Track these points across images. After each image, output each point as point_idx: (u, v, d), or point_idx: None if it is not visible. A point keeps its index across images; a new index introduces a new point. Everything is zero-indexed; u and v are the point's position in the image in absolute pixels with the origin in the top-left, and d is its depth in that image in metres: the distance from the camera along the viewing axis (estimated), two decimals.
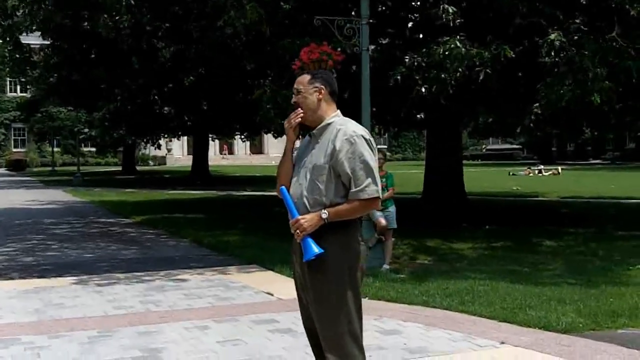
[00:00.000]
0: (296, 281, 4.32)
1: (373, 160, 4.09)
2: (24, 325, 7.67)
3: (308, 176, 4.13)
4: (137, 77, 23.98)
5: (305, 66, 10.90)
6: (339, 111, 4.28)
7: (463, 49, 11.21)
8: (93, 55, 24.09)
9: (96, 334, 7.16)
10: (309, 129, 4.26)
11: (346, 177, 4.04)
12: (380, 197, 4.13)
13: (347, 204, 4.05)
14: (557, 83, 11.16)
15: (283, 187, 4.21)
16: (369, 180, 4.04)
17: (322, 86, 4.22)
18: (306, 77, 4.27)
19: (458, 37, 11.48)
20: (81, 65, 24.82)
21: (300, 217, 4.05)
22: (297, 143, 4.34)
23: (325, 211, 4.02)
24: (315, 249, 3.98)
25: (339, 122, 4.19)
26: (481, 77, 11.57)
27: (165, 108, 31.50)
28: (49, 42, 26.85)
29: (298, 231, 4.03)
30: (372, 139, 4.17)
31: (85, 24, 20.12)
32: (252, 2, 11.22)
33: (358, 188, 4.03)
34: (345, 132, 4.09)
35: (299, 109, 4.21)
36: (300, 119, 4.23)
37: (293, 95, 4.29)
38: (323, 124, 4.20)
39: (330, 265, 4.04)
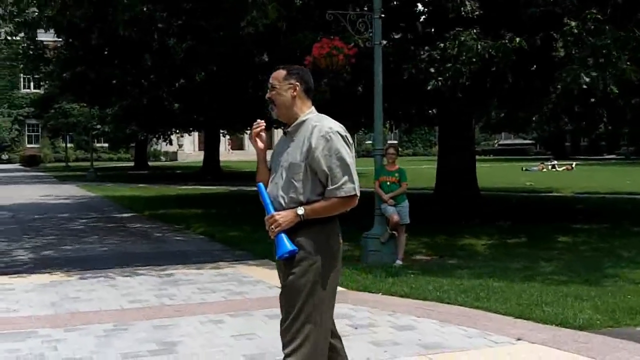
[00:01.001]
0: (280, 279, 4.24)
1: (350, 157, 4.01)
2: (41, 318, 7.71)
3: (284, 175, 4.05)
4: (148, 73, 24.00)
5: (316, 61, 10.92)
6: (313, 108, 4.20)
7: (479, 43, 11.16)
8: (106, 52, 24.11)
9: (112, 328, 7.19)
10: (286, 125, 4.20)
11: (323, 174, 3.96)
12: (358, 194, 4.01)
13: (324, 202, 3.98)
14: (576, 68, 11.03)
15: (260, 183, 4.17)
16: (346, 177, 3.96)
17: (297, 83, 4.14)
18: (281, 73, 4.17)
19: (473, 30, 11.43)
20: (94, 62, 24.88)
21: (275, 213, 3.99)
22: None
23: (302, 208, 3.95)
24: (289, 246, 3.92)
25: (314, 119, 4.11)
26: (493, 69, 11.53)
27: (176, 104, 31.51)
28: (62, 39, 26.93)
29: (272, 227, 3.96)
30: (348, 135, 4.08)
31: (98, 24, 20.18)
32: (273, 2, 11.20)
33: (335, 186, 3.96)
34: (320, 128, 4.01)
35: (259, 120, 4.19)
36: (260, 129, 4.20)
37: (267, 91, 4.21)
38: (298, 121, 4.13)
39: (302, 260, 3.96)
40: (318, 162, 3.94)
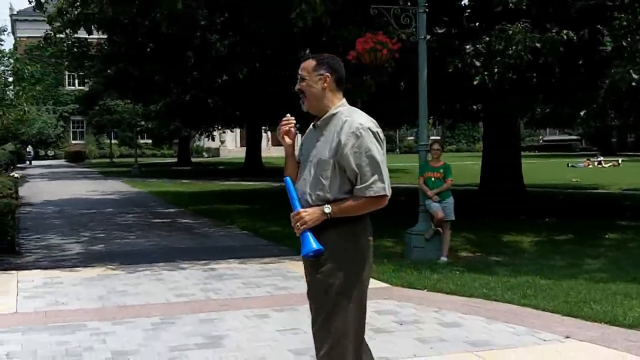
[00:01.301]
0: (306, 279, 4.12)
1: (380, 154, 3.82)
2: (89, 311, 7.80)
3: (312, 171, 3.89)
4: (191, 70, 24.14)
5: (360, 56, 10.89)
6: (344, 100, 4.00)
7: (527, 36, 11.04)
8: (148, 49, 24.28)
9: (159, 321, 7.25)
10: (315, 118, 4.04)
11: (352, 172, 3.79)
12: (388, 194, 3.84)
13: (353, 201, 3.81)
14: (625, 65, 10.86)
15: (288, 177, 4.02)
16: (376, 177, 3.79)
17: (328, 74, 3.93)
18: (311, 63, 3.96)
19: (520, 23, 11.32)
20: (136, 58, 25.08)
21: (302, 210, 3.84)
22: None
23: (329, 206, 3.79)
24: (314, 245, 3.78)
25: (345, 112, 3.92)
26: (540, 61, 11.41)
27: (219, 101, 31.69)
28: (105, 36, 27.21)
29: (298, 224, 3.83)
30: (380, 131, 3.90)
31: (141, 19, 20.33)
32: None
33: (364, 185, 3.78)
34: (351, 124, 3.82)
35: (288, 115, 4.03)
36: (289, 127, 4.04)
37: (297, 82, 4.01)
38: (328, 114, 3.93)
39: (331, 260, 3.83)
40: (347, 159, 3.78)
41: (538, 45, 11.13)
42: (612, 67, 10.98)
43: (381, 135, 3.90)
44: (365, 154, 3.77)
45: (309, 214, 3.81)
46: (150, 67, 24.38)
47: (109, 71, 31.62)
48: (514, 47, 11.14)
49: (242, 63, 20.09)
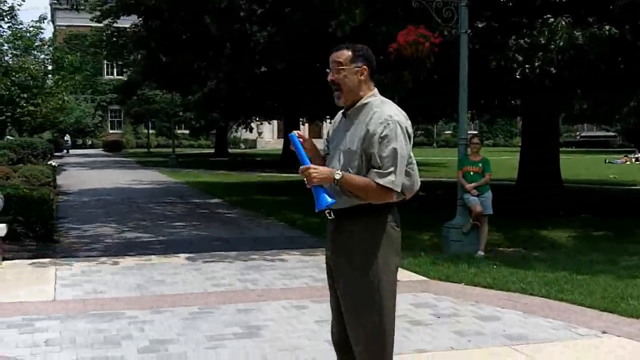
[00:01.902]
0: (327, 268, 4.09)
1: (403, 149, 3.76)
2: (128, 300, 7.90)
3: (342, 160, 3.85)
4: (228, 61, 24.20)
5: (401, 48, 10.85)
6: (376, 90, 3.95)
7: (572, 30, 10.95)
8: (184, 37, 24.34)
9: (197, 310, 7.32)
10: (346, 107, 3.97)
11: (374, 160, 3.74)
12: (396, 190, 3.76)
13: (363, 179, 3.75)
14: None
15: (293, 133, 3.94)
16: (392, 169, 3.72)
17: (365, 66, 3.88)
18: (347, 54, 3.87)
19: (563, 17, 11.23)
20: (172, 48, 25.15)
21: (311, 165, 3.78)
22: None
23: (340, 173, 3.73)
24: (329, 199, 3.71)
25: (376, 103, 3.87)
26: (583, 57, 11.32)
27: (257, 92, 31.76)
28: (141, 22, 27.31)
29: (306, 180, 3.76)
30: (409, 126, 3.86)
31: (182, 12, 20.50)
32: (360, 6, 11.16)
33: (377, 171, 3.72)
34: (380, 115, 3.78)
35: (311, 170, 3.77)
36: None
37: (330, 72, 3.92)
38: (359, 104, 3.89)
39: (360, 248, 3.80)
40: (371, 147, 3.74)
41: (581, 41, 11.02)
42: None
43: (409, 129, 3.87)
44: (389, 145, 3.74)
45: (319, 172, 3.76)
46: (183, 56, 24.43)
47: (140, 55, 31.68)
48: (556, 41, 11.04)
49: (280, 54, 20.15)
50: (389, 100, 3.94)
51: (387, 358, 3.90)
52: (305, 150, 3.94)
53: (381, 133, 3.74)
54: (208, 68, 26.16)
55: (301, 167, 3.80)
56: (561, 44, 11.00)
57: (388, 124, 3.76)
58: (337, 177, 3.73)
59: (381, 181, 3.72)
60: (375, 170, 3.74)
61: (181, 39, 24.02)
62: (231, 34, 21.06)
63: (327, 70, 3.95)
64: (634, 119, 28.36)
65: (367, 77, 3.90)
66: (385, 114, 3.79)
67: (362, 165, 3.80)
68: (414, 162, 3.94)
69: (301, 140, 3.94)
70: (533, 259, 10.44)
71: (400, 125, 3.79)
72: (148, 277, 9.12)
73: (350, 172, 3.78)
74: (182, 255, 10.77)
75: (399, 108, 3.91)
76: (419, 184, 3.99)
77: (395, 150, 3.74)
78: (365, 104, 3.89)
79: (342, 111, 4.03)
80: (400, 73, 11.46)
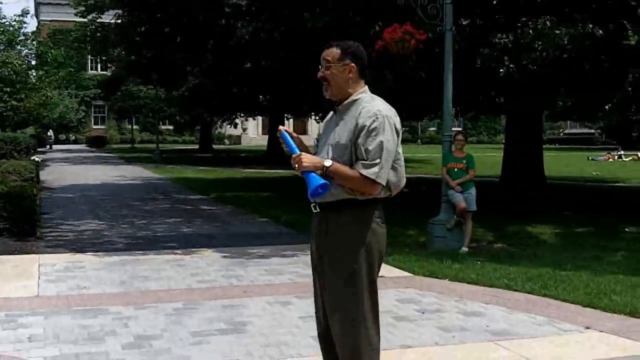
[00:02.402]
0: (312, 263, 4.14)
1: (391, 144, 3.84)
2: (112, 296, 7.87)
3: (330, 153, 3.91)
4: (212, 55, 24.10)
5: (387, 45, 10.89)
6: (366, 87, 4.03)
7: (555, 31, 11.01)
8: (167, 29, 24.19)
9: (181, 306, 7.32)
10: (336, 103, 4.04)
11: (360, 153, 3.81)
12: (380, 183, 3.81)
13: (349, 169, 3.81)
14: None
15: (283, 130, 4.01)
16: (377, 161, 3.78)
17: (353, 64, 3.95)
18: (336, 52, 3.96)
19: (547, 17, 11.27)
20: (155, 40, 24.99)
21: (302, 153, 3.86)
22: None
23: (330, 161, 3.81)
24: (321, 180, 3.75)
25: (366, 99, 3.95)
26: (565, 56, 11.37)
27: (242, 88, 31.72)
28: (124, 14, 27.14)
29: (296, 165, 3.82)
30: (397, 122, 3.93)
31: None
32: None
33: (363, 162, 3.78)
34: (369, 110, 3.86)
35: (302, 156, 3.84)
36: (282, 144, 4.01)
37: (320, 68, 4.01)
38: (349, 100, 3.97)
39: (344, 243, 3.86)
40: (361, 140, 3.80)
41: (565, 41, 11.08)
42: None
43: (398, 125, 3.93)
44: (376, 138, 3.80)
45: (308, 159, 3.82)
46: (167, 49, 24.30)
47: (123, 50, 31.52)
48: (541, 42, 11.10)
49: (265, 50, 20.12)
50: (379, 97, 4.01)
51: (368, 352, 3.93)
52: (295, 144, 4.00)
53: (370, 126, 3.80)
54: (192, 62, 26.07)
55: (293, 156, 3.86)
56: (546, 43, 11.05)
57: (377, 117, 3.82)
58: (327, 164, 3.79)
59: (365, 172, 3.78)
60: (361, 161, 3.79)
61: (165, 31, 23.89)
62: (215, 28, 20.99)
63: (319, 67, 4.02)
64: (617, 116, 28.51)
65: (355, 75, 3.97)
66: (374, 108, 3.87)
67: (351, 159, 3.85)
68: (402, 158, 3.99)
69: (291, 135, 4.02)
70: (517, 255, 10.50)
71: (388, 120, 3.86)
72: (132, 273, 9.09)
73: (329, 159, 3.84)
74: (167, 251, 10.75)
75: (389, 105, 3.98)
76: (405, 180, 4.02)
77: (381, 143, 3.80)
78: (356, 100, 3.96)
79: (333, 108, 4.08)
80: (381, 72, 11.48)
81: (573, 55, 11.61)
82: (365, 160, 3.79)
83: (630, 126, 67.61)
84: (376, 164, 3.79)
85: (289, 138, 3.99)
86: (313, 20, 11.32)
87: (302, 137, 4.15)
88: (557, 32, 11.08)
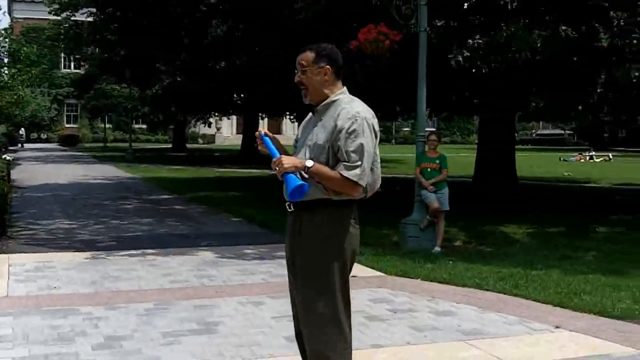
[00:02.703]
0: (287, 262, 4.15)
1: (370, 145, 3.87)
2: (82, 296, 7.81)
3: (307, 154, 3.93)
4: (186, 52, 23.97)
5: (362, 46, 10.91)
6: (345, 88, 4.05)
7: (529, 35, 11.09)
8: (141, 26, 24.02)
9: (153, 307, 7.27)
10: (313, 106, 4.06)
11: (340, 154, 3.83)
12: (362, 185, 3.84)
13: (331, 170, 3.83)
14: (627, 66, 10.97)
15: (262, 133, 4.03)
16: (359, 163, 3.81)
17: (328, 66, 3.97)
18: (310, 55, 3.98)
19: (521, 22, 11.34)
20: (129, 37, 24.82)
21: (282, 156, 3.86)
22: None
23: (312, 161, 3.82)
24: (299, 180, 3.76)
25: (345, 100, 3.98)
26: (538, 58, 11.45)
27: (216, 87, 31.55)
28: (95, 11, 26.96)
29: (277, 167, 3.82)
30: (375, 123, 3.96)
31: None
32: None
33: (345, 164, 3.80)
34: (349, 111, 3.88)
35: (282, 158, 3.85)
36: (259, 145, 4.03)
37: (296, 74, 4.03)
38: (327, 101, 3.99)
39: (318, 242, 3.88)
40: (340, 142, 3.82)
41: (538, 44, 11.16)
42: (616, 69, 11.09)
43: (376, 127, 3.95)
44: (356, 141, 3.82)
45: (289, 160, 3.83)
46: (142, 44, 24.13)
47: (97, 48, 31.31)
48: (514, 45, 11.18)
49: (240, 48, 20.03)
50: (357, 98, 4.03)
51: (342, 351, 3.94)
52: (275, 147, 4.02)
53: (348, 128, 3.83)
54: (166, 60, 25.92)
55: (273, 159, 3.87)
56: (520, 45, 11.12)
57: (356, 119, 3.85)
58: (309, 164, 3.81)
59: (347, 174, 3.80)
60: (342, 163, 3.82)
61: (139, 28, 23.71)
62: (190, 26, 20.87)
63: (295, 72, 4.04)
64: (589, 118, 28.74)
65: (331, 76, 4.00)
66: (353, 110, 3.89)
67: (329, 160, 3.87)
68: (378, 159, 4.02)
69: (270, 137, 4.04)
70: (489, 255, 10.56)
71: (367, 121, 3.89)
72: (103, 273, 9.03)
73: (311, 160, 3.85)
74: (138, 251, 10.68)
75: (367, 106, 4.00)
76: (380, 181, 4.03)
77: (362, 145, 3.83)
78: (334, 101, 3.98)
79: (312, 109, 4.10)
80: (352, 66, 11.49)
81: (545, 57, 11.69)
82: (347, 162, 3.81)
83: (601, 127, 68.47)
84: (358, 166, 3.82)
85: (269, 141, 4.01)
86: (305, 12, 11.32)
87: (277, 136, 4.16)
88: (531, 35, 11.14)
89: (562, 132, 79.03)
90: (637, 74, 10.79)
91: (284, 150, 4.05)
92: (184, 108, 41.84)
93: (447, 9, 12.48)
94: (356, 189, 3.86)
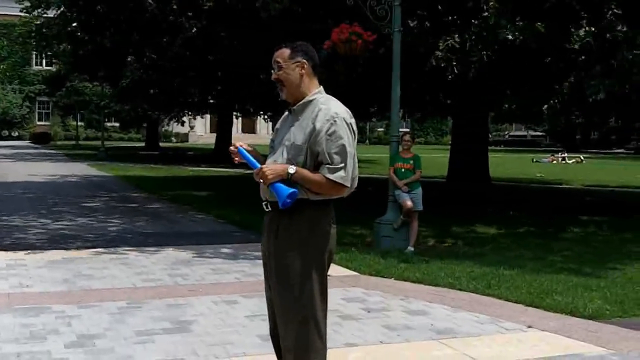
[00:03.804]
0: (264, 263, 4.14)
1: (351, 145, 3.88)
2: (54, 294, 7.75)
3: (285, 154, 3.92)
4: (155, 50, 23.87)
5: (335, 47, 10.93)
6: (321, 87, 4.05)
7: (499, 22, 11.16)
8: (108, 22, 23.89)
9: (126, 305, 7.24)
10: (290, 105, 4.07)
11: (323, 157, 3.82)
12: (348, 185, 3.85)
13: (315, 175, 3.83)
14: (597, 81, 11.14)
15: (239, 146, 4.02)
16: (342, 165, 3.82)
17: (305, 60, 3.97)
18: (286, 52, 3.99)
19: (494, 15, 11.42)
20: (98, 32, 24.67)
21: (264, 166, 3.86)
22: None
23: (294, 167, 3.81)
24: (288, 189, 3.74)
25: (322, 100, 3.97)
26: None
27: (189, 85, 31.42)
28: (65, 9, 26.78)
29: (261, 179, 3.83)
30: (353, 122, 3.95)
31: None
32: None
33: (328, 166, 3.81)
34: (326, 112, 3.87)
35: (264, 169, 3.84)
36: (236, 159, 4.04)
37: (273, 71, 4.03)
38: (305, 100, 3.98)
39: (295, 242, 3.87)
40: (320, 145, 3.82)
41: (509, 36, 11.21)
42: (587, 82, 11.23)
43: (354, 127, 3.95)
44: (337, 142, 3.82)
45: (271, 170, 3.82)
46: (113, 40, 23.99)
47: (80, 52, 31.14)
48: (484, 39, 11.24)
49: (214, 47, 19.99)
50: (334, 98, 4.02)
51: (319, 350, 3.95)
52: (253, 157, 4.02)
53: (328, 130, 3.83)
54: (134, 55, 25.80)
55: (254, 171, 3.87)
56: (491, 36, 11.17)
57: (335, 121, 3.85)
58: (291, 171, 3.80)
59: (331, 176, 3.81)
60: (326, 166, 3.82)
61: (107, 24, 23.60)
62: (163, 25, 20.81)
63: (272, 70, 4.04)
64: (561, 119, 28.98)
65: (308, 71, 4.00)
66: (331, 111, 3.88)
67: (307, 161, 3.86)
68: (356, 160, 4.00)
69: (247, 149, 4.03)
70: (461, 255, 10.61)
71: (346, 121, 3.89)
72: (75, 272, 8.96)
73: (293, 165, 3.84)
74: (111, 250, 10.63)
75: (344, 105, 3.99)
76: (357, 181, 4.04)
77: (344, 146, 3.84)
78: (311, 100, 3.97)
79: (288, 108, 4.09)
80: (332, 67, 11.52)
81: (517, 48, 11.74)
82: (330, 165, 3.82)
83: (574, 130, 69.04)
84: (342, 168, 3.83)
85: (246, 153, 4.00)
86: (265, 8, 11.31)
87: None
88: (502, 22, 11.18)
89: (539, 133, 79.65)
90: (601, 96, 10.97)
91: (262, 159, 4.07)
92: (154, 104, 41.51)
93: (421, 8, 12.55)
94: (342, 190, 3.88)
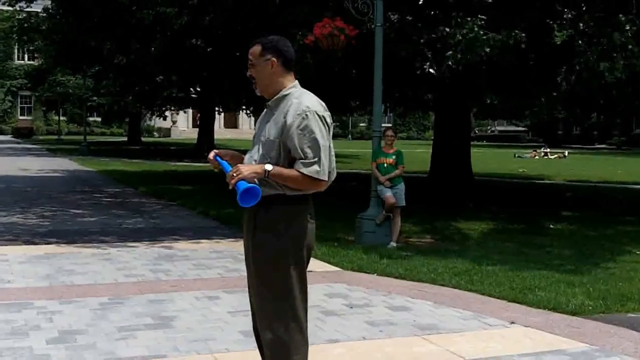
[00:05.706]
0: (245, 258, 4.14)
1: (324, 138, 3.84)
2: (36, 290, 7.70)
3: (260, 150, 3.93)
4: (141, 44, 23.76)
5: (318, 41, 10.92)
6: (296, 82, 4.02)
7: (482, 36, 11.17)
8: (96, 19, 23.79)
9: (107, 301, 7.20)
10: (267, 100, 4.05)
11: (296, 152, 3.81)
12: (324, 179, 3.83)
13: (291, 171, 3.82)
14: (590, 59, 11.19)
15: (215, 154, 4.02)
16: (316, 159, 3.80)
17: (274, 58, 3.95)
18: (257, 49, 3.98)
19: (477, 21, 11.42)
20: (84, 27, 24.54)
21: (238, 165, 3.84)
22: None
23: (271, 165, 3.80)
24: (247, 184, 3.70)
25: (295, 94, 3.94)
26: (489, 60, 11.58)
27: (174, 79, 31.34)
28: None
29: (234, 174, 3.74)
30: (327, 115, 3.92)
31: None
32: None
33: (302, 161, 3.79)
34: (298, 106, 3.85)
35: (239, 167, 3.81)
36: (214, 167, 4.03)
37: (248, 69, 4.05)
38: (279, 95, 3.96)
39: (273, 238, 3.86)
40: (291, 139, 3.80)
41: (487, 50, 11.25)
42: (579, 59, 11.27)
43: (328, 119, 3.92)
44: (309, 136, 3.80)
45: (247, 168, 3.80)
46: (96, 36, 23.87)
47: (62, 47, 31.02)
48: (464, 43, 11.27)
49: (196, 38, 19.93)
50: (309, 92, 3.99)
51: (299, 346, 3.94)
52: (230, 162, 4.01)
53: (299, 125, 3.80)
54: (118, 50, 25.69)
55: (229, 172, 3.81)
56: (477, 46, 11.21)
57: (306, 115, 3.82)
58: (269, 168, 3.79)
59: (306, 171, 3.79)
60: (300, 161, 3.80)
61: (93, 19, 23.46)
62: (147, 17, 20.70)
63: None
64: (546, 115, 29.14)
65: (278, 68, 3.96)
66: (303, 105, 3.85)
67: (279, 156, 3.85)
68: (333, 153, 3.98)
69: (223, 157, 4.04)
70: (444, 250, 10.62)
71: (318, 115, 3.85)
72: (57, 267, 8.91)
73: (269, 162, 3.83)
74: (93, 245, 10.58)
75: (319, 99, 3.97)
76: (335, 174, 4.02)
77: (316, 140, 3.80)
78: (285, 95, 3.95)
79: (265, 103, 4.08)
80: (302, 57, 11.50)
81: (494, 60, 11.81)
82: (304, 160, 3.80)
83: (556, 125, 69.47)
84: (316, 162, 3.80)
85: (221, 159, 4.00)
86: None
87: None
88: (484, 37, 11.22)
89: (522, 129, 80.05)
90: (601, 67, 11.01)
91: (241, 158, 4.07)
92: (139, 99, 41.34)
93: (403, 3, 12.55)
94: (319, 185, 3.87)
